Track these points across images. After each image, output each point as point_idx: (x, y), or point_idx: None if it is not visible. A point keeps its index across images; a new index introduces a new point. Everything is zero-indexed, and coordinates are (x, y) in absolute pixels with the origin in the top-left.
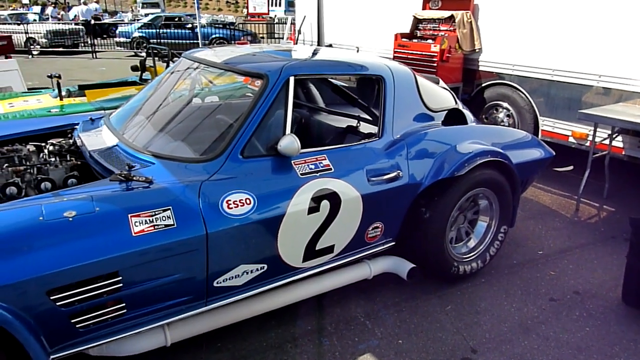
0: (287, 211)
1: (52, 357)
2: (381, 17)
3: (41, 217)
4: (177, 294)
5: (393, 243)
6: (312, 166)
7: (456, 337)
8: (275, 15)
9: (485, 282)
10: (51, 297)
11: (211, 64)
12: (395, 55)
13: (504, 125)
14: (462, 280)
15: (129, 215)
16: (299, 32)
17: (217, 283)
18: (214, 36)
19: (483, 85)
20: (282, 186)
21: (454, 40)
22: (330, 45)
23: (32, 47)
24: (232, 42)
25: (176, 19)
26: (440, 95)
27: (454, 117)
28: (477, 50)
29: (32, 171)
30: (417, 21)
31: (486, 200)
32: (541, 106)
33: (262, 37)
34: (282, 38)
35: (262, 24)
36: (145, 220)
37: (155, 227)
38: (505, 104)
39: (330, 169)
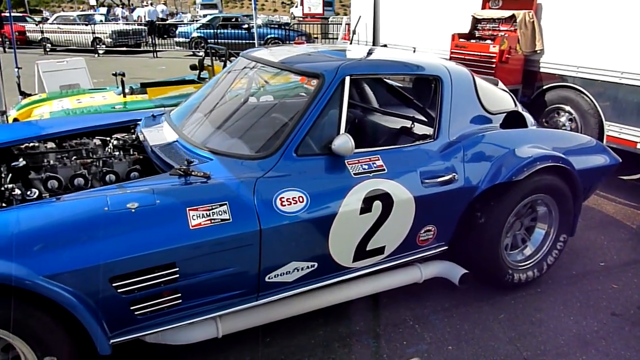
0: (339, 210)
1: (111, 341)
2: (438, 17)
3: (106, 208)
4: (230, 287)
5: (445, 247)
6: (366, 166)
7: (509, 347)
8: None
9: (542, 292)
10: (113, 284)
11: (268, 63)
12: (452, 56)
13: (566, 130)
14: (517, 289)
15: (187, 209)
16: (354, 32)
17: (269, 278)
18: (269, 36)
19: (544, 87)
20: (335, 185)
21: (514, 41)
22: (385, 46)
23: (98, 46)
24: (287, 42)
25: (233, 20)
26: (499, 97)
27: (513, 120)
28: (538, 51)
29: (97, 164)
30: (476, 21)
31: (545, 207)
32: (607, 110)
33: (316, 38)
34: (337, 39)
35: (317, 24)
36: (203, 214)
37: (212, 221)
38: (567, 108)
39: (384, 170)
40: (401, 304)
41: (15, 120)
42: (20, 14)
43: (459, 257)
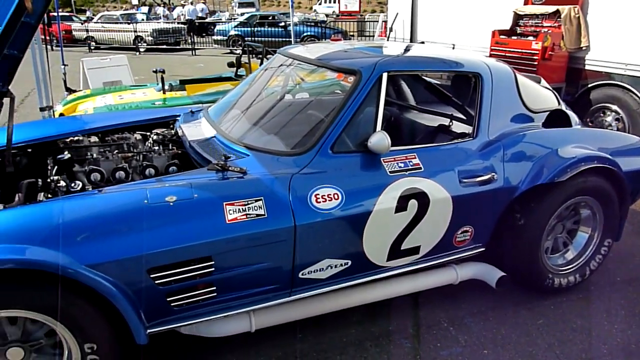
0: (374, 208)
1: (148, 331)
2: (477, 13)
3: (146, 200)
4: (264, 282)
5: (482, 249)
6: (402, 164)
7: (548, 353)
8: (333, 12)
9: (583, 298)
10: (151, 276)
11: (305, 60)
12: (492, 53)
13: (612, 130)
14: (557, 294)
15: (224, 204)
16: (391, 29)
17: (302, 275)
18: (305, 34)
19: (589, 85)
20: (370, 183)
21: (558, 37)
22: (422, 43)
23: (139, 44)
24: (323, 40)
25: (270, 18)
26: (541, 95)
27: (556, 119)
28: (583, 48)
29: (138, 158)
30: (517, 17)
31: (589, 210)
32: None
33: (352, 36)
34: (373, 36)
35: (353, 22)
36: (239, 209)
37: (248, 216)
38: (614, 107)
39: (420, 168)
40: (436, 305)
41: (61, 115)
42: (67, 14)
43: (496, 259)
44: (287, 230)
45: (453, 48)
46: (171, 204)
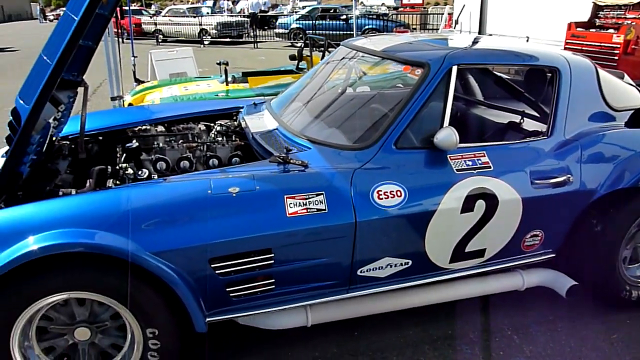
0: (438, 208)
1: (207, 320)
2: (552, 4)
3: (209, 191)
4: (322, 277)
5: (552, 255)
6: (470, 162)
7: None
8: (383, 3)
9: None
10: (212, 265)
11: (370, 52)
12: (567, 46)
13: None
14: (634, 308)
15: (285, 197)
16: (456, 22)
17: (361, 272)
18: (367, 27)
19: None
20: (436, 181)
21: None
22: (490, 35)
23: (204, 37)
24: (385, 33)
25: (331, 11)
26: (625, 92)
27: None
28: None
29: (202, 148)
30: (597, 8)
31: None
32: None
33: (415, 29)
34: (437, 29)
35: (416, 14)
36: (300, 203)
37: (308, 210)
38: None
39: (489, 167)
40: (499, 311)
41: (130, 104)
42: (138, 8)
43: (567, 266)
44: (347, 226)
45: (527, 40)
46: (234, 195)
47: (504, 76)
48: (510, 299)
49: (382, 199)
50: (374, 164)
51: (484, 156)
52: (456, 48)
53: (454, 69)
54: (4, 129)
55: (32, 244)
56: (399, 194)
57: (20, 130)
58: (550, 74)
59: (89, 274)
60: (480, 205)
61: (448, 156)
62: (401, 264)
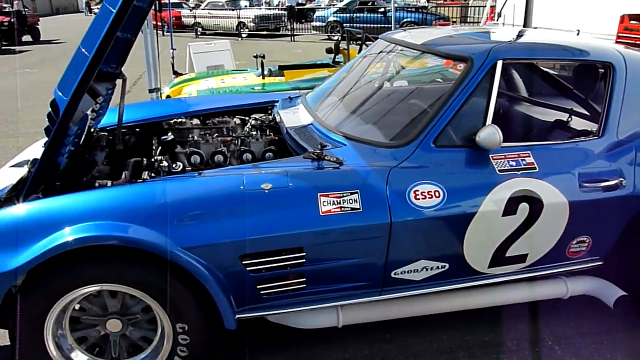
0: (479, 210)
1: (237, 316)
2: None
3: (242, 186)
4: (354, 278)
5: (600, 263)
6: (513, 163)
7: None
8: None
9: None
10: (243, 262)
11: (410, 46)
12: (619, 40)
13: None
14: None
15: (319, 194)
16: (499, 14)
17: (395, 274)
18: (405, 20)
19: None
20: (477, 182)
21: None
22: (536, 29)
23: (241, 30)
24: (424, 26)
25: (369, 3)
26: None
27: None
28: None
29: (236, 142)
30: None
31: None
32: None
33: (454, 22)
34: (478, 23)
35: (455, 7)
36: (333, 201)
37: (342, 209)
38: None
39: (534, 168)
40: (540, 320)
41: (167, 96)
42: (178, 1)
43: (616, 275)
44: (382, 226)
45: (578, 34)
46: (266, 191)
47: (551, 71)
48: (552, 307)
49: (419, 199)
50: (412, 163)
51: (529, 156)
52: (501, 42)
53: (499, 63)
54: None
55: (67, 235)
56: (437, 194)
57: (58, 122)
58: (603, 70)
59: (121, 267)
60: (524, 208)
61: (490, 156)
62: (437, 267)
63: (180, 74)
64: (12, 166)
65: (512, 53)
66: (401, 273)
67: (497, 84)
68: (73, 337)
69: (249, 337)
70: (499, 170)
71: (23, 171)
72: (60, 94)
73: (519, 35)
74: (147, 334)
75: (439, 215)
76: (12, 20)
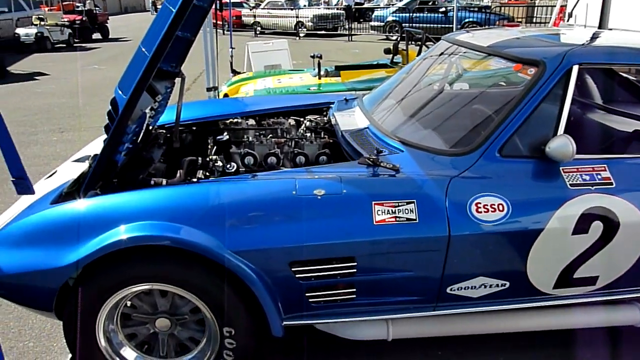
0: (546, 226)
1: (284, 323)
2: None
3: (294, 192)
4: (407, 291)
5: None
6: (587, 177)
7: None
8: None
9: None
10: (292, 269)
11: (475, 48)
12: None
13: None
14: None
15: (373, 203)
16: (570, 15)
17: (451, 290)
18: (467, 20)
19: None
20: (545, 196)
21: None
22: (611, 30)
23: (299, 29)
24: (487, 27)
25: (430, 3)
26: None
27: None
28: None
29: (290, 144)
30: None
31: None
32: None
33: (519, 22)
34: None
35: (521, 6)
36: (388, 210)
37: (397, 219)
38: None
39: (611, 184)
40: (607, 348)
41: (225, 95)
42: (239, 0)
43: None
44: (439, 239)
45: None
46: (319, 197)
47: (630, 77)
48: (621, 334)
49: (480, 212)
50: (474, 173)
51: (605, 170)
52: (576, 45)
53: (575, 68)
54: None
55: (121, 233)
56: (500, 208)
57: (117, 120)
58: None
59: (171, 267)
60: (597, 227)
61: (561, 168)
62: (497, 285)
63: (238, 73)
64: (75, 161)
65: (590, 57)
66: (457, 289)
67: (572, 91)
68: (123, 333)
69: (297, 345)
70: (570, 185)
71: (84, 166)
72: (120, 92)
73: (594, 37)
74: (195, 335)
75: (502, 230)
76: (84, 19)
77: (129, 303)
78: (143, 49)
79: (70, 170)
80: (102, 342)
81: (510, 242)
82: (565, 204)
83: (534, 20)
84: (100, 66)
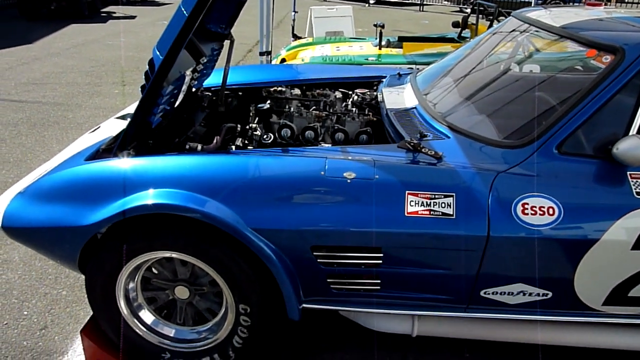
0: (602, 237)
1: (303, 305)
2: None
3: (323, 172)
4: (436, 290)
5: None
6: None
7: None
8: None
9: None
10: (314, 253)
11: (546, 28)
12: None
13: None
14: None
15: (407, 192)
16: None
17: (485, 293)
18: None
19: None
20: (605, 202)
21: None
22: None
23: None
24: (570, 3)
25: None
26: None
27: None
28: None
29: (332, 118)
30: None
31: None
32: None
33: (608, 1)
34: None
35: None
36: (423, 202)
37: (431, 212)
38: None
39: None
40: None
41: (282, 60)
42: None
43: None
44: (476, 239)
45: None
46: (349, 180)
47: None
48: None
49: (527, 214)
50: (525, 169)
51: None
52: None
53: None
54: None
55: (149, 197)
56: (551, 211)
57: (152, 81)
58: None
59: (192, 238)
60: None
61: (628, 173)
62: (538, 294)
63: (299, 38)
64: (118, 117)
65: None
66: (492, 293)
67: None
68: (143, 296)
69: (317, 330)
70: (637, 193)
71: (125, 124)
72: (157, 52)
73: None
74: (213, 306)
75: (550, 236)
76: None
77: (151, 267)
78: (182, 9)
79: (113, 127)
80: (122, 302)
81: (558, 250)
82: (629, 214)
83: (626, 0)
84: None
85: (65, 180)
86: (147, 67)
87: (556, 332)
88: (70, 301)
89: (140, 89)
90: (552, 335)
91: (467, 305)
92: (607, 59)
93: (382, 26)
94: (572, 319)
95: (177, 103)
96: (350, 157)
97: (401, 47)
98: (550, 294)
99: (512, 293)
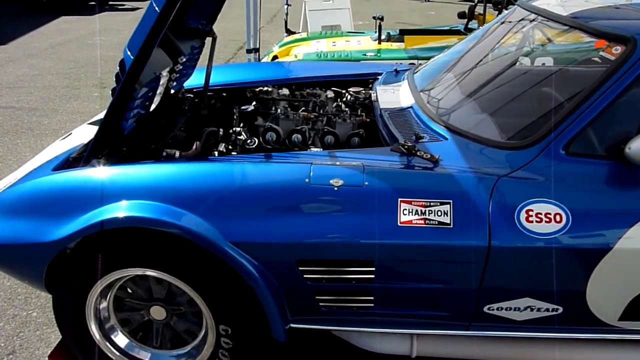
0: (616, 245)
1: (290, 325)
2: None
3: (307, 179)
4: (435, 306)
5: None
6: None
7: None
8: None
9: None
10: (300, 268)
11: (553, 17)
12: None
13: None
14: None
15: (399, 200)
16: None
17: (489, 309)
18: None
19: None
20: (618, 207)
21: None
22: None
23: None
24: None
25: None
26: None
27: None
28: None
29: (322, 120)
30: None
31: None
32: None
33: None
34: None
35: None
36: (417, 210)
37: (427, 221)
38: None
39: None
40: None
41: (274, 57)
42: None
43: None
44: (476, 250)
45: None
46: (335, 188)
47: None
48: None
49: (532, 221)
50: (529, 172)
51: None
52: None
53: None
54: None
55: (120, 209)
56: (558, 218)
57: (121, 83)
58: None
59: (166, 253)
60: None
61: None
62: (547, 310)
63: (293, 33)
64: (91, 123)
65: None
66: (497, 309)
67: None
68: (116, 318)
69: (307, 351)
70: None
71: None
72: (128, 52)
73: None
74: (192, 327)
75: (558, 245)
76: None
77: (124, 286)
78: (154, 5)
79: (85, 133)
80: (93, 324)
81: (567, 260)
82: None
83: None
84: None
85: (29, 192)
86: (118, 68)
87: (569, 350)
88: (41, 323)
89: (111, 92)
90: (564, 354)
91: (469, 323)
92: (618, 50)
93: (382, 18)
94: (585, 335)
95: (154, 106)
96: (338, 163)
97: (402, 41)
98: (560, 309)
99: (519, 308)
